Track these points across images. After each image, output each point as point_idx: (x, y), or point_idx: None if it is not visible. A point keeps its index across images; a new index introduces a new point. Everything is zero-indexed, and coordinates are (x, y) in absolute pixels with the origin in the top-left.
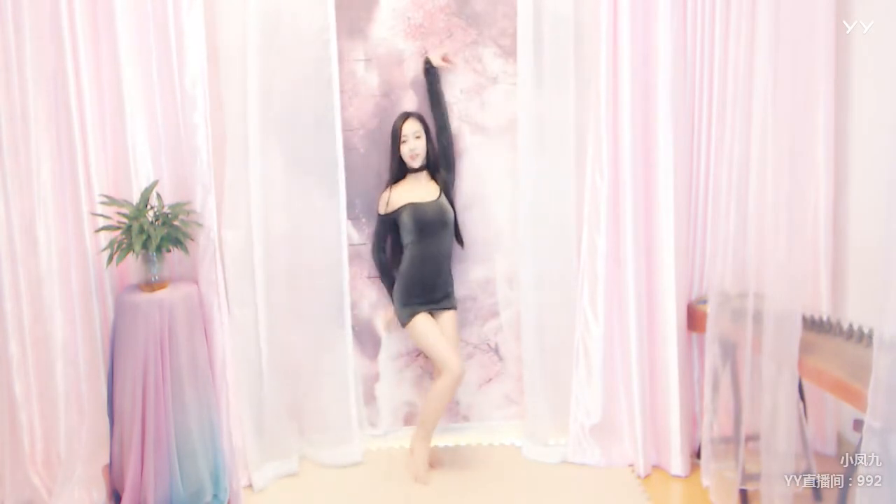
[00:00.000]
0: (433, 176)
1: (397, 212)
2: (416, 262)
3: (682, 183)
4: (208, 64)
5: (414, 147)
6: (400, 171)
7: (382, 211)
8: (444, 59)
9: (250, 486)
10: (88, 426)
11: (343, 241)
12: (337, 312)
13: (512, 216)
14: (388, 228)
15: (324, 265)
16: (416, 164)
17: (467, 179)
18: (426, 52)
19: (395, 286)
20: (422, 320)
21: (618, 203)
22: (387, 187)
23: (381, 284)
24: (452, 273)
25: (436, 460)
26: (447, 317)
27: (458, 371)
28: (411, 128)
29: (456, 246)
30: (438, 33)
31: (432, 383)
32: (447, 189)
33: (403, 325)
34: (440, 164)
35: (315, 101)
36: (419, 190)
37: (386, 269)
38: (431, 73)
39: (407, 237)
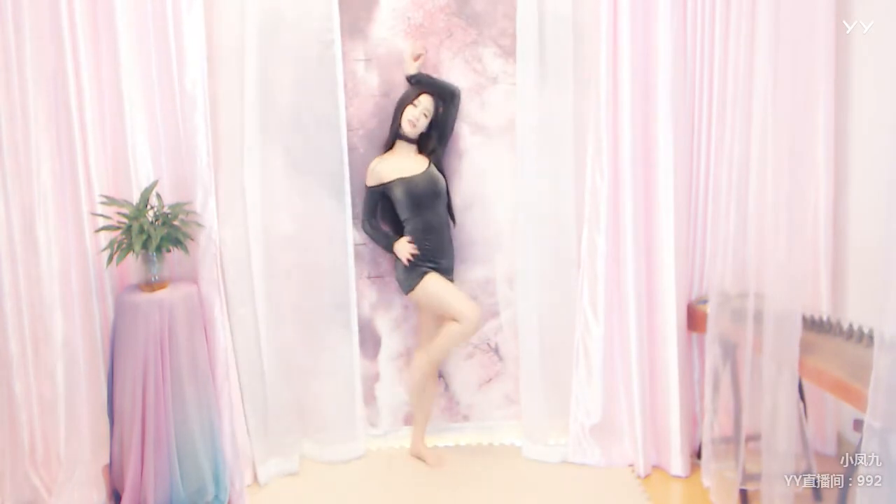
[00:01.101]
0: (421, 151)
1: (387, 186)
2: (418, 234)
3: (682, 183)
4: (208, 64)
5: (418, 118)
6: (393, 136)
7: (371, 183)
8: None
9: (255, 480)
10: (88, 426)
11: (349, 240)
12: (341, 312)
13: (512, 216)
14: (376, 200)
15: (328, 265)
16: (412, 133)
17: (467, 179)
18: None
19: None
20: (434, 277)
21: (618, 203)
22: (379, 154)
23: (379, 246)
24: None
25: (436, 460)
26: None
27: (478, 318)
28: (425, 102)
29: (456, 244)
30: (438, 33)
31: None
32: (438, 162)
33: (410, 289)
34: (437, 135)
35: (318, 102)
36: (407, 163)
37: (377, 228)
38: (422, 82)
39: (403, 213)
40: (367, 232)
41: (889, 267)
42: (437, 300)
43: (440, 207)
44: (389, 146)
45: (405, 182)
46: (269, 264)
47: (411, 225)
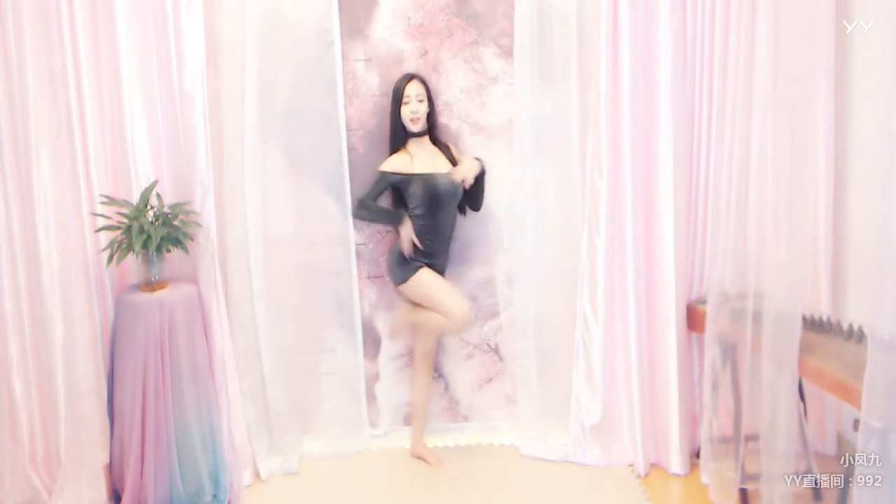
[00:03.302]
0: (434, 142)
1: (406, 178)
2: (426, 234)
3: (682, 183)
4: (208, 64)
5: (416, 110)
6: (401, 136)
7: (388, 169)
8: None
9: (255, 479)
10: (88, 426)
11: (350, 240)
12: (342, 312)
13: (512, 216)
14: (385, 187)
15: (328, 265)
16: (416, 128)
17: None
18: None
19: (395, 249)
20: (428, 272)
21: (618, 203)
22: (390, 154)
23: (368, 219)
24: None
25: (437, 460)
26: None
27: (466, 318)
28: (414, 90)
29: (459, 241)
30: (438, 33)
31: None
32: (455, 161)
33: (403, 281)
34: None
35: (318, 102)
36: (429, 159)
37: (372, 208)
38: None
39: (418, 209)
40: (362, 210)
41: (882, 265)
42: (428, 295)
43: (453, 209)
44: (400, 145)
45: (429, 179)
46: (269, 264)
47: (423, 221)
